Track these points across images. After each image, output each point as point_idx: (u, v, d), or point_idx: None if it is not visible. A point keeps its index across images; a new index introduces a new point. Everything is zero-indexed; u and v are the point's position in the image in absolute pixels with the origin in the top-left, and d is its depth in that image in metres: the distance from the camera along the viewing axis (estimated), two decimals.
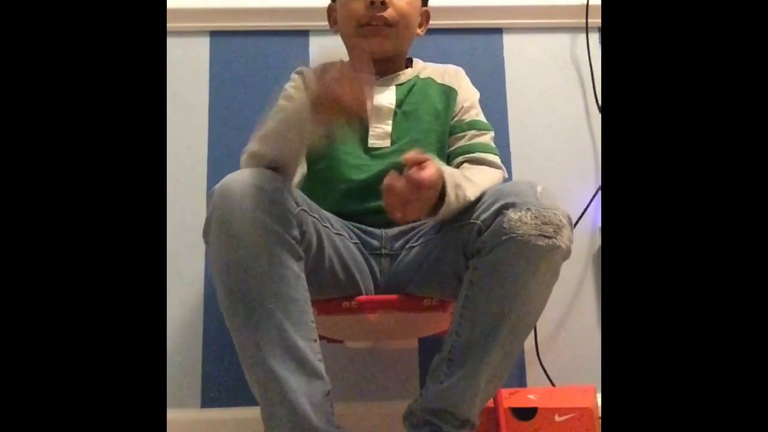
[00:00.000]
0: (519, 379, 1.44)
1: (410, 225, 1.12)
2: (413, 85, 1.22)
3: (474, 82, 1.29)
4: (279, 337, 0.86)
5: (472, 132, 1.19)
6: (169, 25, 1.52)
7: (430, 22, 1.31)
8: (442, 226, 1.03)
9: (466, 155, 1.16)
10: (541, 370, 1.42)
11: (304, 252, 0.92)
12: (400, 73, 1.24)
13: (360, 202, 1.13)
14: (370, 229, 1.13)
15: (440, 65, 1.28)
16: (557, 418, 1.15)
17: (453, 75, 1.26)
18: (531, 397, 1.22)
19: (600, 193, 1.50)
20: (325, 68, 1.16)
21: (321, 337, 0.91)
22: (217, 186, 0.90)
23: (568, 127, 1.56)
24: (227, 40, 1.57)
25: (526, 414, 1.17)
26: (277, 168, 0.96)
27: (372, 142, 1.16)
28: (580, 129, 1.56)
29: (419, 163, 0.91)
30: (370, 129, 1.17)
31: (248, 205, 0.87)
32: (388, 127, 1.17)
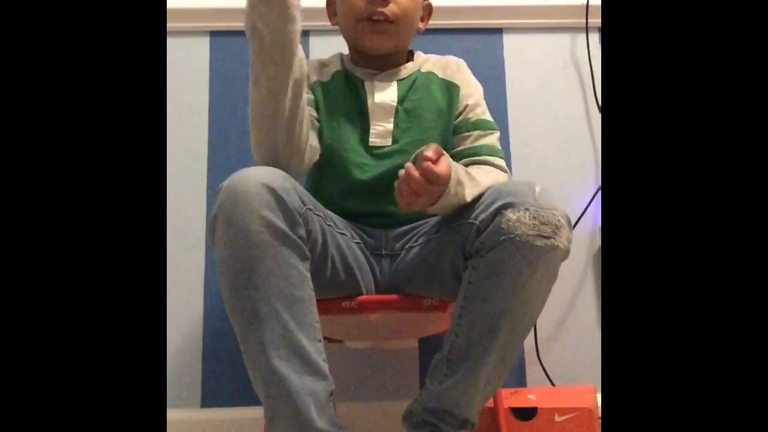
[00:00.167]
0: (519, 379, 1.44)
1: (410, 225, 1.12)
2: (415, 80, 1.20)
3: None
4: (284, 336, 0.86)
5: (477, 132, 1.17)
6: (169, 25, 1.52)
7: (431, 21, 1.30)
8: (441, 226, 1.03)
9: (472, 158, 1.14)
10: (541, 370, 1.42)
11: (309, 251, 0.92)
12: (402, 67, 1.22)
13: (361, 202, 1.13)
14: (370, 229, 1.13)
15: (441, 57, 1.26)
16: (557, 418, 1.15)
17: (455, 68, 1.24)
18: (531, 397, 1.22)
19: (600, 193, 1.50)
20: (326, 62, 1.17)
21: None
22: (224, 183, 0.90)
23: (568, 127, 1.56)
24: (227, 40, 1.57)
25: (526, 414, 1.17)
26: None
27: (373, 140, 1.15)
28: (580, 129, 1.56)
29: (435, 159, 0.91)
30: (371, 127, 1.15)
31: (255, 204, 0.87)
32: (389, 125, 1.16)
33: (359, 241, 1.10)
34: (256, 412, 0.91)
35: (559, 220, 0.90)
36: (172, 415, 1.36)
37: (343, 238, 1.05)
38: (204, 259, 1.46)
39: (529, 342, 1.42)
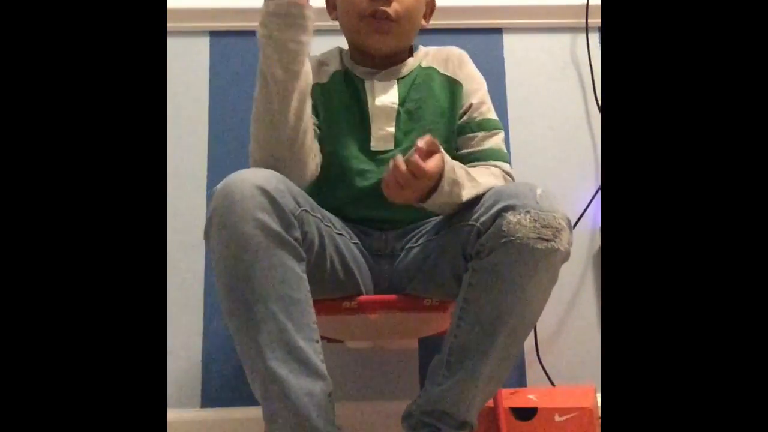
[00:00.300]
0: (519, 379, 1.44)
1: (411, 226, 1.12)
2: (415, 77, 1.18)
3: None
4: (281, 338, 0.86)
5: (482, 134, 1.15)
6: (169, 25, 1.52)
7: (431, 21, 1.29)
8: (442, 227, 1.03)
9: (477, 163, 1.12)
10: (541, 370, 1.42)
11: (305, 253, 0.92)
12: (402, 65, 1.18)
13: (364, 209, 1.12)
14: (371, 230, 1.13)
15: (442, 49, 1.22)
16: (557, 418, 1.15)
17: (456, 63, 1.20)
18: (531, 397, 1.22)
19: (600, 193, 1.50)
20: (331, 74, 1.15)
21: (321, 337, 0.91)
22: (219, 186, 0.90)
23: (568, 127, 1.56)
24: (227, 40, 1.57)
25: (526, 414, 1.17)
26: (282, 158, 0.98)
27: (375, 144, 1.13)
28: (580, 129, 1.56)
29: (429, 153, 0.91)
30: (373, 131, 1.14)
31: (249, 206, 0.87)
32: (391, 129, 1.13)
33: (358, 241, 1.10)
34: (256, 412, 0.91)
35: (559, 223, 0.89)
36: (172, 415, 1.36)
37: (342, 238, 1.05)
38: (204, 259, 1.46)
39: (529, 342, 1.42)
